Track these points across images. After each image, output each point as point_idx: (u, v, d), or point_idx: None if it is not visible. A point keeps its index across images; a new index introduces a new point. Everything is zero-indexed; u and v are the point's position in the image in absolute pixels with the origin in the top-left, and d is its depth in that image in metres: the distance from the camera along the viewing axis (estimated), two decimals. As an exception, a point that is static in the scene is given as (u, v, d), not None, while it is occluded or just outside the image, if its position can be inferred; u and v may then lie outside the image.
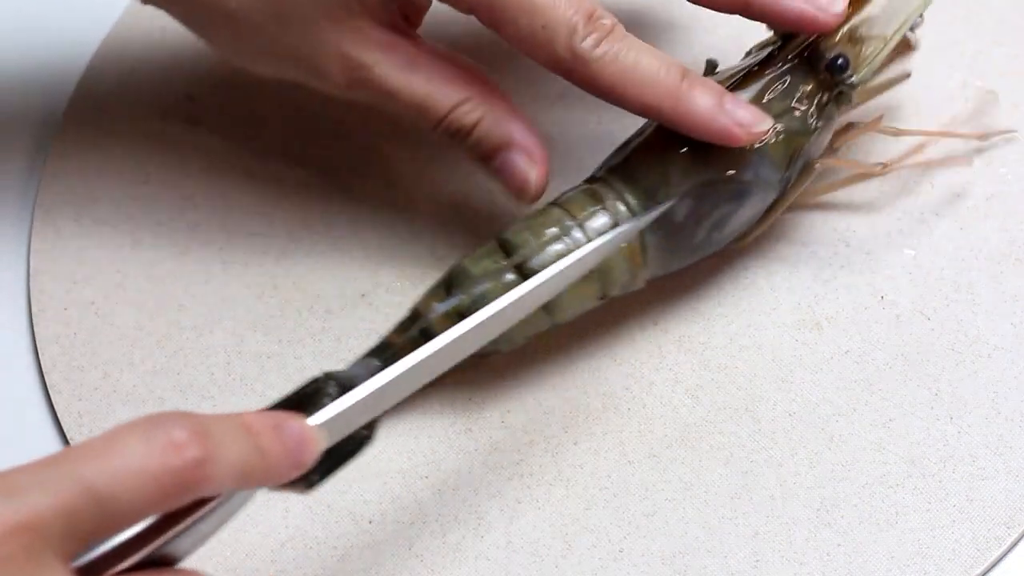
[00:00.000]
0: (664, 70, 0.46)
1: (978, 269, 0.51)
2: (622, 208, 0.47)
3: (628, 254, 0.47)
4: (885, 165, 0.50)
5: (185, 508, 0.35)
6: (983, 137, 0.53)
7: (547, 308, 0.47)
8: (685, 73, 0.46)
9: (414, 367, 0.41)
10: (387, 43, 0.47)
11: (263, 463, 0.36)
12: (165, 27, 0.58)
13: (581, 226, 0.47)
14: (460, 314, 0.46)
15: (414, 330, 0.47)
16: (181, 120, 0.57)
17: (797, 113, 0.48)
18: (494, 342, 0.47)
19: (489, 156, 0.48)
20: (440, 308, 0.46)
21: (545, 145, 0.48)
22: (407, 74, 0.47)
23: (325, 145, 0.56)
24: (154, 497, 0.33)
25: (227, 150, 0.56)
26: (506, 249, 0.47)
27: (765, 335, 0.51)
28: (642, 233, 0.47)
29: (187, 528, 0.35)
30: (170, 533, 0.35)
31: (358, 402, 0.40)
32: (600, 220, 0.47)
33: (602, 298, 0.48)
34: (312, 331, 0.52)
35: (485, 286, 0.46)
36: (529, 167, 0.47)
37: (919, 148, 0.52)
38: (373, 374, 0.46)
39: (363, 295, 0.52)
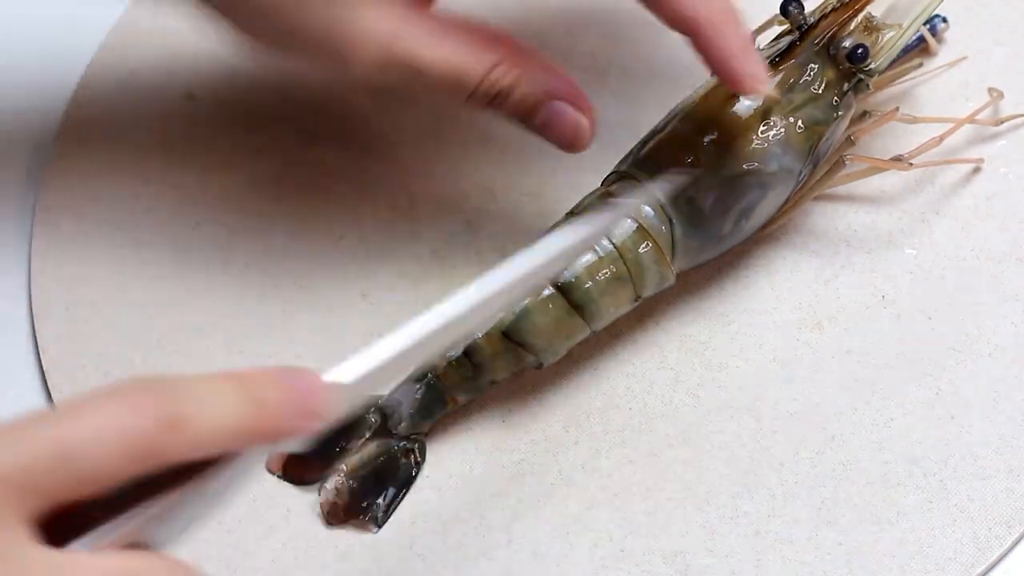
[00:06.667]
0: None
1: (979, 269, 0.51)
2: (646, 208, 0.47)
3: (655, 253, 0.47)
4: (909, 163, 0.50)
5: (173, 478, 0.35)
6: (997, 123, 0.54)
7: (585, 317, 0.47)
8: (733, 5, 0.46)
9: (432, 334, 0.39)
10: (408, 16, 0.45)
11: (261, 413, 0.35)
12: (165, 27, 0.58)
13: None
14: (504, 332, 0.47)
15: (456, 350, 0.47)
16: (181, 120, 0.57)
17: (819, 102, 0.49)
18: (537, 356, 0.47)
19: (533, 112, 0.46)
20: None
21: (585, 94, 0.46)
22: (436, 44, 0.45)
23: (325, 145, 0.56)
24: (121, 456, 0.33)
25: (227, 150, 0.56)
26: None
27: (766, 334, 0.51)
28: (671, 227, 0.48)
29: (177, 503, 0.35)
30: (154, 504, 0.35)
31: (381, 362, 0.38)
32: (624, 225, 0.47)
33: (636, 299, 0.48)
34: (312, 331, 0.52)
35: (526, 303, 0.47)
36: (577, 114, 0.46)
37: (938, 140, 0.51)
38: (417, 399, 0.46)
39: (363, 295, 0.52)
